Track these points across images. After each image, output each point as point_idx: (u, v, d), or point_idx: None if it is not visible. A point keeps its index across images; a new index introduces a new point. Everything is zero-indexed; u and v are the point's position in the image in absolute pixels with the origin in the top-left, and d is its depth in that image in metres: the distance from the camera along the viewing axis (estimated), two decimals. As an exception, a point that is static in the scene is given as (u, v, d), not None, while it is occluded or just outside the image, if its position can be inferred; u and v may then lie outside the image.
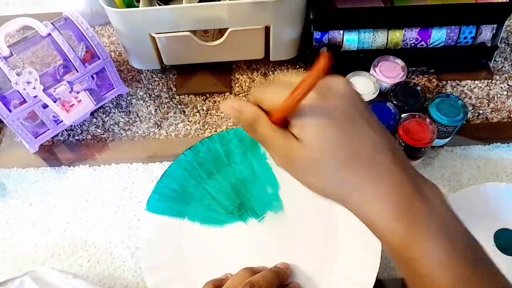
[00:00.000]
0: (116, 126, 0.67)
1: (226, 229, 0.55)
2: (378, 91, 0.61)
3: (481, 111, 0.67)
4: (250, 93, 0.34)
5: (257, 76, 0.72)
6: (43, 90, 0.59)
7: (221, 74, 0.72)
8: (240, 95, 0.70)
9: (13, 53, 0.57)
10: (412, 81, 0.66)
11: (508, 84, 0.69)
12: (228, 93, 0.70)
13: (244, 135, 0.59)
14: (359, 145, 0.32)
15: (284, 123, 0.34)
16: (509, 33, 0.75)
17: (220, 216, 0.56)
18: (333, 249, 0.53)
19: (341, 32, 0.64)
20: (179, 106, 0.69)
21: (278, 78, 0.36)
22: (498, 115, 0.66)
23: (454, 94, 0.67)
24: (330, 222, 0.54)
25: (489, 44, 0.67)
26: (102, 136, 0.67)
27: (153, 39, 0.64)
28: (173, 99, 0.70)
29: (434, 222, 0.31)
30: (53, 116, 0.64)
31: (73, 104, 0.62)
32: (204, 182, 0.58)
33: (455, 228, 0.32)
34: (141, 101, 0.70)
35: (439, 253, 0.30)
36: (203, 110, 0.68)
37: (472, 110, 0.67)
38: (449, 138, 0.62)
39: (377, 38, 0.65)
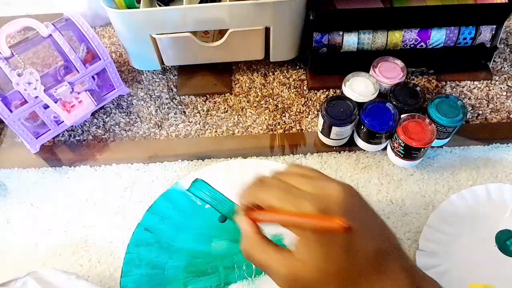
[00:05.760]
0: (117, 126, 0.68)
1: None
2: (377, 91, 0.61)
3: (480, 112, 0.67)
4: (252, 188, 0.36)
5: (257, 77, 0.72)
6: (44, 91, 0.59)
7: (221, 75, 0.72)
8: (240, 95, 0.70)
9: (14, 53, 0.58)
10: (412, 81, 0.66)
11: (507, 85, 0.69)
12: (228, 93, 0.70)
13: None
14: (362, 260, 0.32)
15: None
16: (509, 34, 0.76)
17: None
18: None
19: (341, 33, 0.65)
20: (179, 106, 0.69)
21: (282, 181, 0.36)
22: (497, 115, 0.66)
23: (453, 94, 0.67)
24: None
25: (488, 45, 0.67)
26: (102, 136, 0.67)
27: (154, 40, 0.64)
28: (174, 100, 0.70)
29: None
30: (54, 117, 0.64)
31: (74, 105, 0.62)
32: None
33: None
34: (142, 102, 0.70)
35: None
36: (203, 111, 0.69)
37: (472, 111, 0.67)
38: (448, 139, 0.62)
39: (376, 39, 0.65)
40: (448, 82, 0.70)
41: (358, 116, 0.59)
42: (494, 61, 0.72)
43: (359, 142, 0.62)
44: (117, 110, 0.69)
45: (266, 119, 0.67)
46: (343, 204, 0.32)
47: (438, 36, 0.65)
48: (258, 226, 0.35)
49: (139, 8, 0.63)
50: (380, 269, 0.32)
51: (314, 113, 0.68)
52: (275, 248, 0.34)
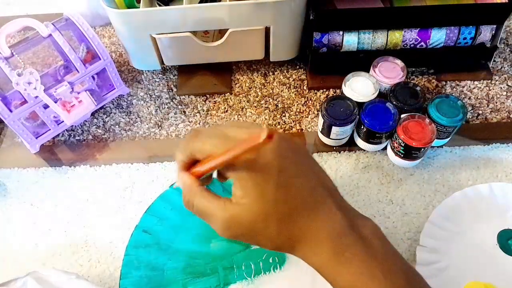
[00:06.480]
0: (117, 126, 0.68)
1: None
2: (377, 91, 0.61)
3: (480, 112, 0.67)
4: (186, 140, 0.36)
5: (257, 77, 0.72)
6: (44, 91, 0.59)
7: (221, 75, 0.72)
8: (240, 95, 0.70)
9: (14, 53, 0.58)
10: (412, 81, 0.66)
11: (507, 85, 0.69)
12: (228, 93, 0.70)
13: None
14: (296, 197, 0.33)
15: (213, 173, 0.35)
16: (509, 34, 0.76)
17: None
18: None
19: (341, 32, 0.65)
20: (179, 106, 0.69)
21: (216, 128, 0.36)
22: (497, 115, 0.66)
23: (453, 94, 0.67)
24: None
25: (488, 45, 0.67)
26: (102, 136, 0.67)
27: (154, 39, 0.64)
28: (174, 100, 0.70)
29: (374, 263, 0.33)
30: (54, 117, 0.64)
31: (74, 105, 0.62)
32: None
33: (394, 264, 0.34)
34: (142, 102, 0.70)
35: None
36: (203, 111, 0.69)
37: (472, 111, 0.67)
38: (448, 139, 0.62)
39: (376, 39, 0.65)
40: (448, 82, 0.70)
41: (358, 116, 0.59)
42: (494, 61, 0.72)
43: (359, 142, 0.62)
44: (117, 110, 0.69)
45: (266, 119, 0.67)
46: (274, 145, 0.32)
47: (438, 36, 0.65)
48: (198, 180, 0.35)
49: (139, 8, 0.63)
50: (316, 207, 0.33)
51: (314, 113, 0.68)
52: (216, 196, 0.34)
